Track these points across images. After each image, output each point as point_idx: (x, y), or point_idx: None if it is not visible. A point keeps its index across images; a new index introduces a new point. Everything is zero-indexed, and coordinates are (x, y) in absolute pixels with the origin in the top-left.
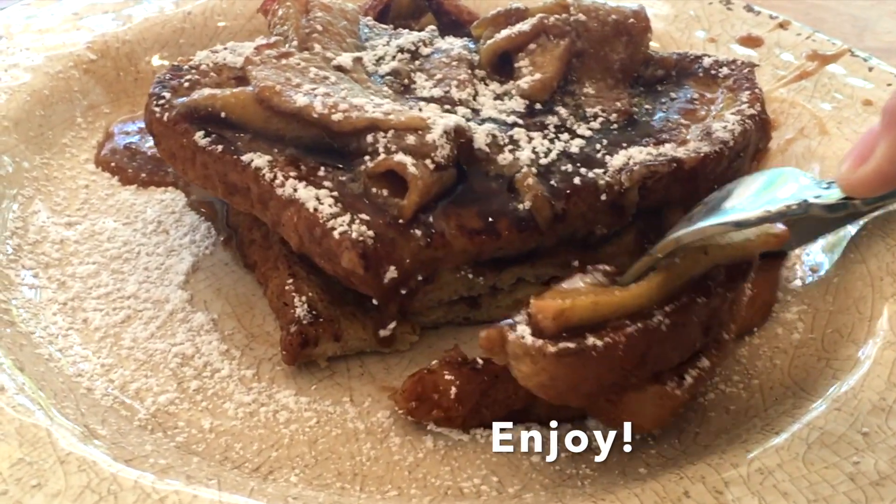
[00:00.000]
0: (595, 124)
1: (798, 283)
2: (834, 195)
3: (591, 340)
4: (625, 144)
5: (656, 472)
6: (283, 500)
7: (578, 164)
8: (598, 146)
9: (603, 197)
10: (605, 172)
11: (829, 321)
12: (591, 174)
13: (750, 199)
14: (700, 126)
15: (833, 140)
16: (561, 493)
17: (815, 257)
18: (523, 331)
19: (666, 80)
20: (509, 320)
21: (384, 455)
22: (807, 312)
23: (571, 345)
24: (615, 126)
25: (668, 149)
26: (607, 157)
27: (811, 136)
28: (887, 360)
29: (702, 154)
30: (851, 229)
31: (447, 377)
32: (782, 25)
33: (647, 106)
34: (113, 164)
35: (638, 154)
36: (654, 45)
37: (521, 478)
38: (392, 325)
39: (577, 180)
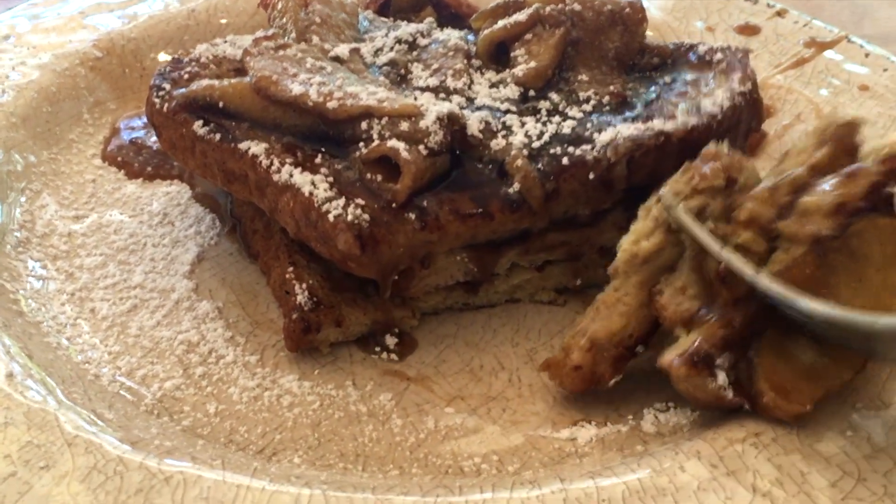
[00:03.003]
0: (587, 106)
1: None
2: None
3: None
4: (614, 123)
5: (653, 449)
6: (287, 479)
7: (567, 144)
8: (588, 125)
9: (591, 174)
10: (592, 148)
11: None
12: (578, 151)
13: None
14: (689, 102)
15: None
16: (559, 470)
17: None
18: None
19: (661, 67)
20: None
21: (386, 436)
22: None
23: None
24: (607, 108)
25: (656, 123)
26: (595, 135)
27: (808, 121)
28: None
29: (689, 126)
30: None
31: None
32: (780, 14)
33: (641, 90)
34: (119, 159)
35: (626, 129)
36: (652, 34)
37: (520, 456)
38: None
39: (565, 159)
